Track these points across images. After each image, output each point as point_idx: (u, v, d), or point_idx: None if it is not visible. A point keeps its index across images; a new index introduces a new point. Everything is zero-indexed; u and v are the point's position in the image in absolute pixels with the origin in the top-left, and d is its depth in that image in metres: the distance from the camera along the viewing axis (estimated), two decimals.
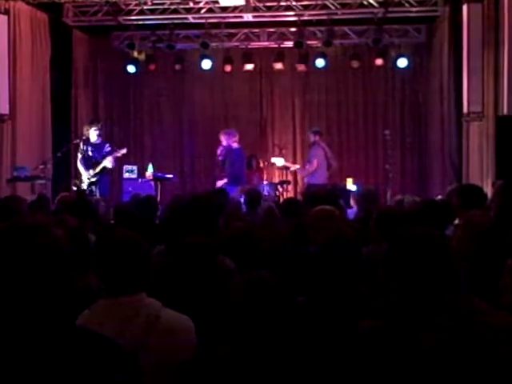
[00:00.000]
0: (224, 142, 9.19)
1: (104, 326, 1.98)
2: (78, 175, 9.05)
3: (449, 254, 2.03)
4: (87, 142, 8.89)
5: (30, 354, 1.50)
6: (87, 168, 8.80)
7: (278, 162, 10.01)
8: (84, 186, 8.76)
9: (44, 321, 1.53)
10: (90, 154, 8.81)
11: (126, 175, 9.71)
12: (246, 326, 2.05)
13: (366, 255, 3.46)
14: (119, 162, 9.58)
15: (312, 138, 9.60)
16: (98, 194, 8.55)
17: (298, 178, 11.15)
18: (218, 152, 9.23)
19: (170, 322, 2.17)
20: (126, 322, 2.07)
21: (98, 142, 8.89)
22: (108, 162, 8.72)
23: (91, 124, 9.10)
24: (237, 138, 9.25)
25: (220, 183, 8.97)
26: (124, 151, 9.00)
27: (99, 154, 8.79)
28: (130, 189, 9.21)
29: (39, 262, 1.55)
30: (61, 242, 1.60)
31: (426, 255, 1.97)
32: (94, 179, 8.75)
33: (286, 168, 10.13)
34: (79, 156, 8.96)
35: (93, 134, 8.85)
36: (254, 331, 2.02)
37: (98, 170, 8.73)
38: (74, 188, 8.86)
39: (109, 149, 8.88)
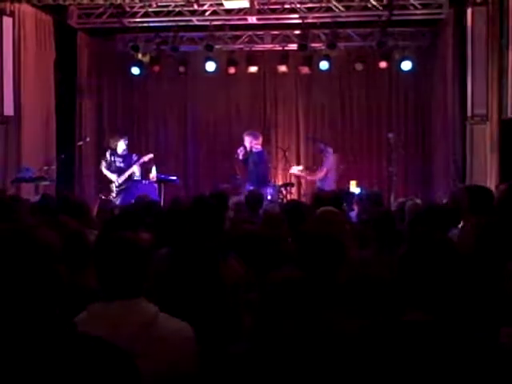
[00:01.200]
0: (247, 144, 9.18)
1: (96, 329, 1.96)
2: (105, 183, 9.31)
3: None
4: (114, 153, 9.19)
5: (24, 358, 1.49)
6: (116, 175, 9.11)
7: (295, 169, 10.16)
8: (113, 194, 8.95)
9: (31, 324, 1.53)
10: (117, 164, 9.14)
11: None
12: (269, 325, 2.04)
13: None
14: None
15: (321, 147, 9.89)
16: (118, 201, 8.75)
17: (302, 180, 11.14)
18: (238, 151, 9.22)
19: (164, 328, 2.12)
20: (119, 326, 2.04)
21: (125, 153, 9.23)
22: (136, 169, 9.12)
23: (119, 136, 9.39)
24: (260, 141, 9.29)
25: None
26: (150, 156, 9.33)
27: (127, 164, 9.14)
28: (134, 191, 9.21)
29: (21, 265, 1.54)
30: (46, 245, 1.59)
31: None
32: (122, 187, 9.08)
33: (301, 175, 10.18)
34: (104, 164, 9.22)
35: (121, 146, 9.20)
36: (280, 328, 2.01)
37: (126, 175, 9.07)
38: (102, 197, 9.08)
39: (136, 158, 9.23)
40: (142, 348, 2.02)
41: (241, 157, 9.20)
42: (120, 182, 9.04)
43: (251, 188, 8.24)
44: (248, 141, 9.18)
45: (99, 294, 2.27)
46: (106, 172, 9.20)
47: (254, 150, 9.16)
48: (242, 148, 9.21)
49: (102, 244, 2.27)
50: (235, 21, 10.46)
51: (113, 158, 9.13)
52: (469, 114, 8.79)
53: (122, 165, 9.13)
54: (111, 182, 9.21)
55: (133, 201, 8.69)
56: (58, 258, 1.61)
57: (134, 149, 11.44)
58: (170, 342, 2.10)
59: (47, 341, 1.52)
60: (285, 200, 9.18)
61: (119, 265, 2.16)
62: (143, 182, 9.72)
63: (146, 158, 9.24)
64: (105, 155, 9.32)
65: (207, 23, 10.39)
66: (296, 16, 10.15)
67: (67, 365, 1.51)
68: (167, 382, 2.05)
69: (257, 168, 9.07)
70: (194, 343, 2.18)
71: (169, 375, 2.06)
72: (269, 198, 8.98)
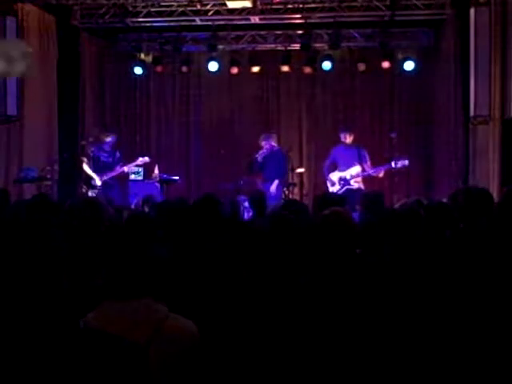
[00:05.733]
0: (268, 145, 9.44)
1: (108, 329, 1.98)
2: (85, 182, 9.23)
3: None
4: (100, 147, 9.21)
5: (33, 353, 1.50)
6: (99, 172, 9.08)
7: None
8: (95, 190, 8.94)
9: (41, 321, 1.54)
10: (102, 159, 9.17)
11: (132, 177, 9.73)
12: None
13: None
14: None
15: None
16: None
17: (305, 180, 11.14)
18: (260, 153, 9.39)
19: (175, 327, 2.16)
20: (131, 326, 2.07)
21: (110, 148, 9.28)
22: (126, 168, 9.22)
23: (109, 132, 9.54)
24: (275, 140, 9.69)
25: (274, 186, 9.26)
26: (146, 160, 9.34)
27: (112, 159, 9.20)
28: (136, 191, 9.23)
29: (33, 262, 1.55)
30: (56, 243, 1.61)
31: None
32: (109, 183, 9.10)
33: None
34: (85, 160, 9.19)
35: (108, 142, 9.28)
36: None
37: (113, 175, 9.11)
38: (84, 191, 9.07)
39: (119, 155, 9.31)
40: (155, 345, 2.06)
41: (260, 159, 9.40)
42: (105, 179, 9.07)
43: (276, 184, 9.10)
44: (269, 143, 9.46)
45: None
46: (87, 169, 9.18)
47: (275, 148, 9.53)
48: (266, 149, 9.43)
49: (112, 244, 2.28)
50: (238, 21, 10.45)
51: (98, 154, 9.17)
52: (471, 114, 8.78)
53: (109, 159, 9.20)
54: (92, 178, 9.16)
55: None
56: (62, 256, 1.63)
57: (135, 149, 11.48)
58: (179, 340, 2.14)
59: (54, 336, 1.53)
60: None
61: (130, 264, 2.17)
62: (145, 181, 9.74)
63: (140, 162, 9.32)
64: (86, 152, 9.29)
65: (210, 23, 10.39)
66: (299, 16, 10.14)
67: (76, 358, 1.52)
68: (174, 375, 2.09)
69: (280, 165, 9.43)
70: (197, 340, 2.22)
71: (176, 369, 2.10)
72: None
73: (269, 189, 9.07)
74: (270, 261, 3.43)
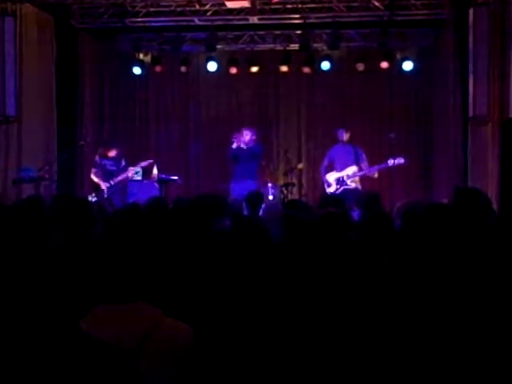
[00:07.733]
0: (247, 137, 9.17)
1: (102, 332, 1.97)
2: (95, 188, 9.26)
3: None
4: (105, 157, 9.27)
5: (30, 356, 1.49)
6: (105, 180, 9.16)
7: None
8: (100, 195, 9.00)
9: (37, 324, 1.53)
10: (108, 168, 9.23)
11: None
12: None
13: None
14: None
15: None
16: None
17: (303, 180, 11.14)
18: (238, 141, 9.12)
19: (169, 331, 2.14)
20: (125, 329, 2.06)
21: (115, 156, 9.31)
22: (131, 174, 9.23)
23: (111, 147, 9.46)
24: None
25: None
26: (150, 161, 9.40)
27: (117, 167, 9.23)
28: (135, 191, 9.23)
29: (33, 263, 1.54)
30: (55, 245, 1.60)
31: None
32: (114, 188, 9.18)
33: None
34: (94, 170, 9.29)
35: (112, 153, 9.31)
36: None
37: (118, 180, 9.15)
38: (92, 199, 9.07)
39: (124, 163, 9.33)
40: (148, 349, 2.05)
41: (234, 147, 9.10)
42: (112, 184, 9.14)
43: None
44: (249, 135, 9.18)
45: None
46: (94, 179, 9.29)
47: (251, 144, 9.16)
48: (239, 139, 9.16)
49: (106, 246, 2.26)
50: (237, 21, 10.44)
51: (103, 162, 9.25)
52: (470, 114, 8.77)
53: (113, 168, 9.25)
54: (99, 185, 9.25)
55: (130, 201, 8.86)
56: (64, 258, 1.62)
57: (134, 149, 11.47)
58: (173, 344, 2.13)
59: (52, 340, 1.52)
60: (286, 200, 9.16)
61: (124, 267, 2.15)
62: (144, 182, 9.73)
63: (145, 163, 9.34)
64: (95, 162, 9.38)
65: (209, 23, 10.38)
66: (297, 16, 10.13)
67: (72, 364, 1.51)
68: (169, 378, 2.08)
69: (257, 161, 9.20)
70: (193, 342, 2.20)
71: (170, 372, 2.09)
72: (270, 198, 8.99)
73: (240, 189, 8.60)
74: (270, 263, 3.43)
